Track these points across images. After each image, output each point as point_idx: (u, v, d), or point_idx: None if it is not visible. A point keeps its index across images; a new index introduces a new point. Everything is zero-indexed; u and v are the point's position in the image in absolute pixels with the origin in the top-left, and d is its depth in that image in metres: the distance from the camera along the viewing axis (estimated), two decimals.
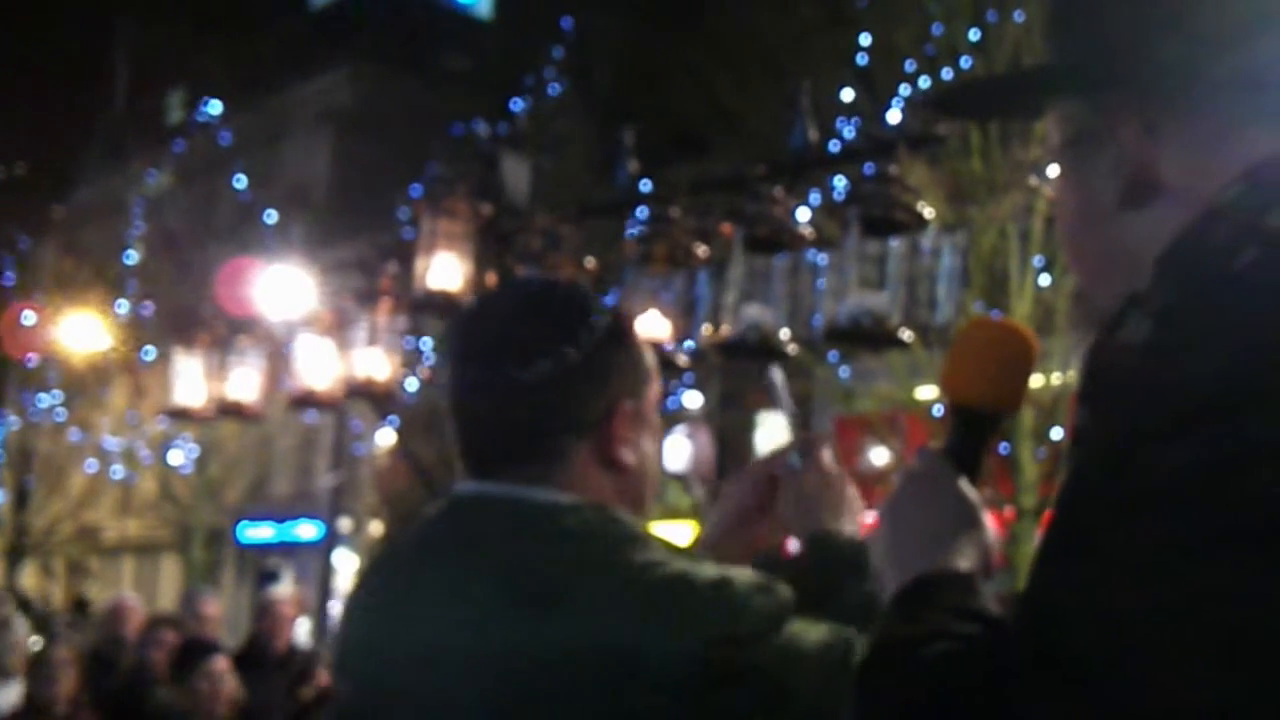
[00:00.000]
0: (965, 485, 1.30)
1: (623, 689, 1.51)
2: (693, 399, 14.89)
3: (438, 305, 4.24)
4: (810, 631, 1.60)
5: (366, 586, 1.78)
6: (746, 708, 1.53)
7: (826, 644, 1.59)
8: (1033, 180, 9.85)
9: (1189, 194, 1.15)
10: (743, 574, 1.63)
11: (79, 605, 13.26)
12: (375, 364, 5.08)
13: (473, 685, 1.55)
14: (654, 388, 1.77)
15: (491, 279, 4.11)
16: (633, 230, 3.58)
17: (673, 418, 13.26)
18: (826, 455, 1.91)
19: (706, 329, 3.38)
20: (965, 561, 1.22)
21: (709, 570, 1.61)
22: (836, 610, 1.70)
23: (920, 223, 2.82)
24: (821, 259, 2.97)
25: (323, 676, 6.26)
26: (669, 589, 1.56)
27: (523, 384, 1.65)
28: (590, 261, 3.89)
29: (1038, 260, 11.02)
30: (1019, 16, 10.89)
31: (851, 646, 1.59)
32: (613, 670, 1.51)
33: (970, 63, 11.03)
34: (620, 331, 1.73)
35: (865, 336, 2.89)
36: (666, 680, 1.51)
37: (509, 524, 1.63)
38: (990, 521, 1.30)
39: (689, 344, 3.44)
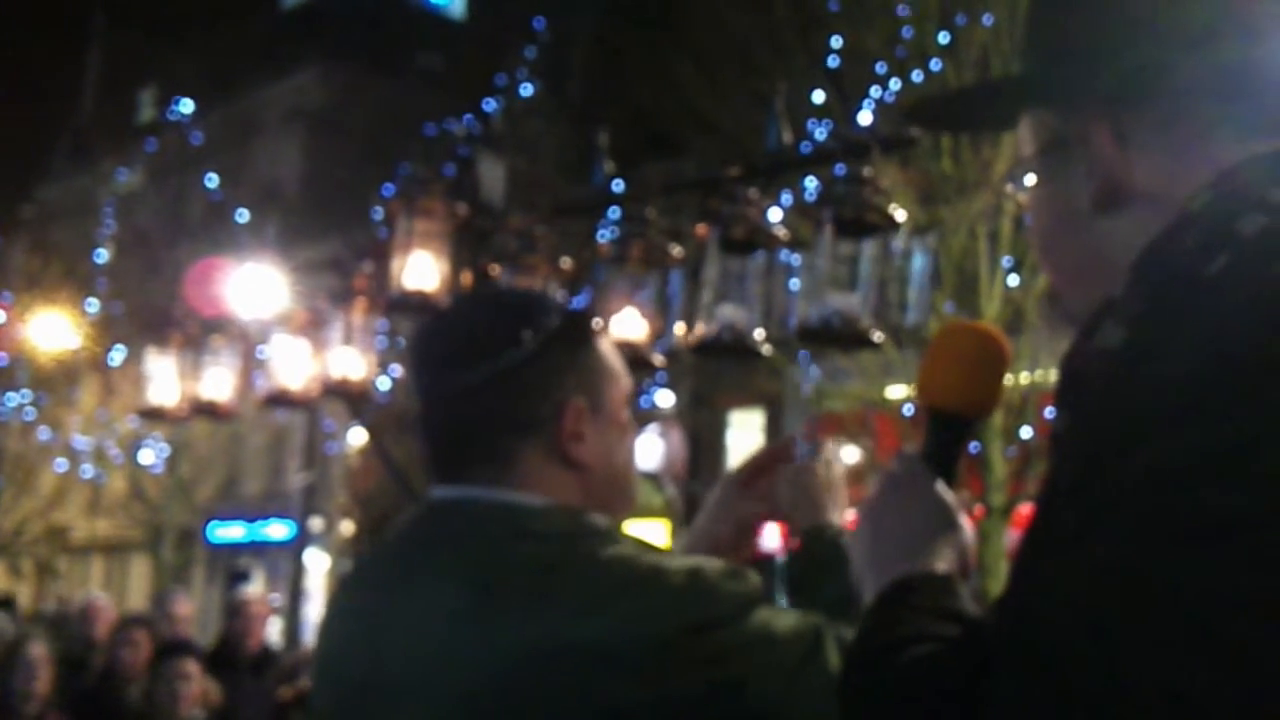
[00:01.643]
0: (942, 488, 1.32)
1: (596, 682, 1.53)
2: (665, 398, 14.89)
3: (413, 305, 4.24)
4: (780, 617, 1.63)
5: (345, 591, 1.82)
6: (718, 692, 1.56)
7: (795, 630, 1.61)
8: (1009, 187, 9.89)
9: (1162, 200, 1.16)
10: (711, 562, 1.67)
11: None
12: (350, 363, 5.09)
13: (450, 686, 1.58)
14: (619, 386, 1.80)
15: (467, 279, 4.12)
16: (608, 231, 3.59)
17: (645, 417, 13.26)
18: (830, 450, 1.95)
19: (680, 329, 3.39)
20: (944, 563, 1.23)
21: (677, 561, 1.65)
22: (811, 602, 1.73)
23: (892, 225, 2.85)
24: (795, 260, 2.99)
25: (305, 681, 6.25)
26: (637, 580, 1.59)
27: (468, 387, 1.70)
28: (566, 262, 3.91)
29: (1006, 261, 11.08)
30: (988, 20, 10.95)
31: (821, 633, 1.62)
32: (585, 664, 1.53)
33: (940, 65, 11.08)
34: (573, 332, 1.76)
35: (836, 337, 2.91)
36: (639, 669, 1.53)
37: (477, 526, 1.67)
38: (967, 523, 1.32)
39: (663, 344, 3.46)
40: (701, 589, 1.60)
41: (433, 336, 1.81)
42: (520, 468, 1.70)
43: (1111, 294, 1.15)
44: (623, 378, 1.82)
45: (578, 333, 1.78)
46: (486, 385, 1.70)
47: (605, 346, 1.81)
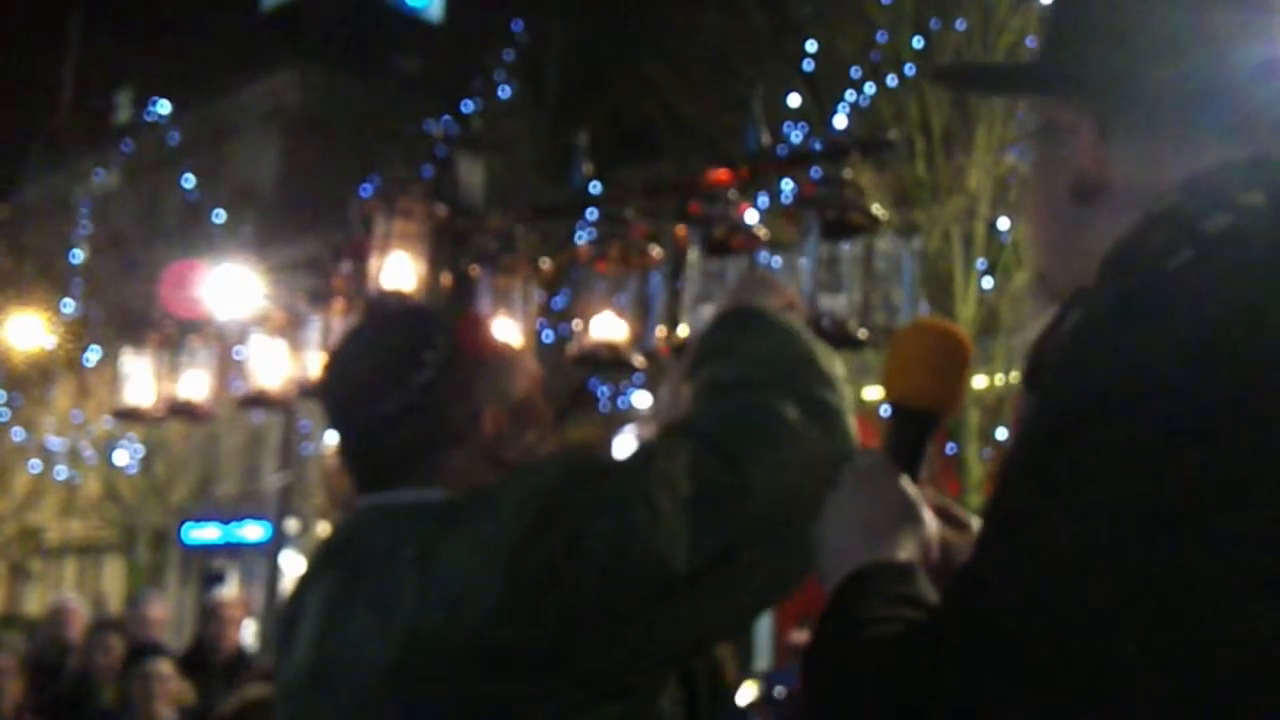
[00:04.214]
0: (905, 481, 1.35)
1: (468, 621, 1.55)
2: (642, 399, 14.90)
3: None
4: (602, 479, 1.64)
5: (293, 595, 1.86)
6: (570, 566, 1.56)
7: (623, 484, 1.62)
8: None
9: (1136, 197, 1.20)
10: (544, 460, 1.72)
11: None
12: None
13: (352, 678, 1.62)
14: (526, 376, 1.83)
15: (446, 280, 4.11)
16: (586, 232, 3.60)
17: (623, 418, 13.27)
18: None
19: (660, 330, 3.40)
20: (905, 553, 1.27)
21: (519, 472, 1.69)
22: (723, 372, 1.76)
23: (876, 225, 2.87)
24: (776, 261, 3.00)
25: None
26: (478, 510, 1.62)
27: (380, 418, 1.74)
28: (545, 262, 3.91)
29: (980, 263, 11.13)
30: (960, 25, 11.01)
31: (650, 457, 1.63)
32: (460, 609, 1.56)
33: (914, 70, 11.13)
34: (470, 346, 1.80)
35: (828, 339, 2.93)
36: (499, 586, 1.55)
37: (387, 523, 1.71)
38: (930, 517, 1.35)
39: (643, 345, 3.46)
40: (525, 495, 1.61)
41: (335, 370, 1.84)
42: (448, 475, 1.74)
43: (1083, 284, 1.20)
44: (526, 366, 1.85)
45: (475, 345, 1.81)
46: (400, 413, 1.73)
47: (504, 345, 1.85)
